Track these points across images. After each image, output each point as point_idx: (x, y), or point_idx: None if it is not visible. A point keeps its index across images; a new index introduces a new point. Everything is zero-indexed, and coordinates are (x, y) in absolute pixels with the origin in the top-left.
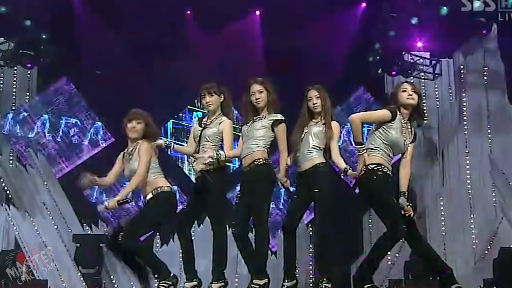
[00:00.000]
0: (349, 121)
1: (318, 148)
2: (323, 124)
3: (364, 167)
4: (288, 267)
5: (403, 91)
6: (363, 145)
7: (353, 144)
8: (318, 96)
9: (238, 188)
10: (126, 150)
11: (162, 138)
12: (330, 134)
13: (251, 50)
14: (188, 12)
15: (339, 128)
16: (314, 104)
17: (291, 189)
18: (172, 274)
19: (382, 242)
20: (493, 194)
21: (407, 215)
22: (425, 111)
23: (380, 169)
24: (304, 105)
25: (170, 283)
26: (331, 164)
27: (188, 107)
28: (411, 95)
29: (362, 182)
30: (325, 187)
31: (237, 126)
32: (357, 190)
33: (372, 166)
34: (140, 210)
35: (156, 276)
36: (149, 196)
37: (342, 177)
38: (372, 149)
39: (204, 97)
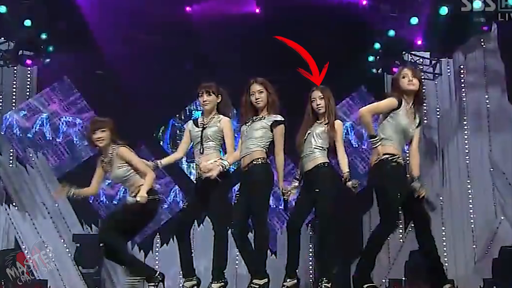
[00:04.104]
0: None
1: (321, 148)
2: (325, 124)
3: (377, 157)
4: (290, 267)
5: (404, 77)
6: (377, 137)
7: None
8: (322, 97)
9: (237, 188)
10: (102, 158)
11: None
12: (332, 134)
13: (251, 49)
14: (188, 9)
15: (342, 126)
16: (317, 105)
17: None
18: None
19: (376, 235)
20: (493, 194)
21: (421, 197)
22: (425, 109)
23: (394, 159)
24: (308, 106)
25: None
26: (334, 164)
27: (188, 107)
28: (412, 80)
29: (373, 171)
30: (326, 187)
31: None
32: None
33: (386, 156)
34: (122, 207)
35: (137, 274)
36: (133, 194)
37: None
38: (384, 139)
39: (202, 95)
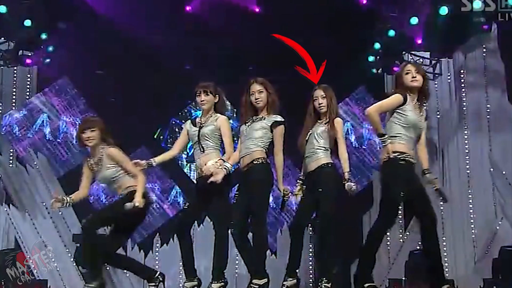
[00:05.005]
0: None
1: (323, 148)
2: (326, 123)
3: (387, 155)
4: (290, 266)
5: (407, 73)
6: (386, 136)
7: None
8: (324, 96)
9: (236, 188)
10: (90, 159)
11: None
12: (332, 132)
13: (251, 48)
14: (188, 8)
15: (342, 124)
16: (319, 104)
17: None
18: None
19: (374, 230)
20: (493, 194)
21: (434, 188)
22: (429, 92)
23: (403, 158)
24: (310, 105)
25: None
26: (337, 164)
27: (190, 106)
28: (415, 77)
29: (382, 169)
30: (329, 187)
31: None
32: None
33: (395, 155)
34: (111, 205)
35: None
36: (121, 196)
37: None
38: (393, 137)
39: (199, 95)
